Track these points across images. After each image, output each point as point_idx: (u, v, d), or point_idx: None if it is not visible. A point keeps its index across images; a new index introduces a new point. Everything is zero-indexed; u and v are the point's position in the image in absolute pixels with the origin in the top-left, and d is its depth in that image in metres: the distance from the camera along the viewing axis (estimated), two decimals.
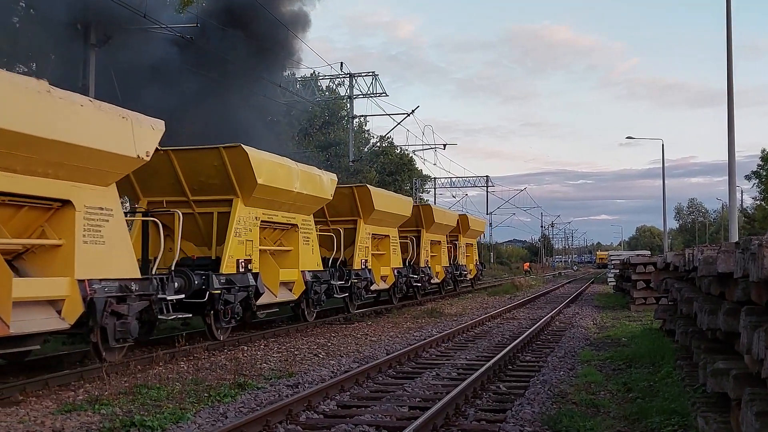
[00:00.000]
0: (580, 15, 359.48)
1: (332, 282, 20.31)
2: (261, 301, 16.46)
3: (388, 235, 26.16)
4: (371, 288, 23.99)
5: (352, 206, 23.04)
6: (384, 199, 24.84)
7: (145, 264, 13.43)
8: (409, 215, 27.96)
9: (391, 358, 13.01)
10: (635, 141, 51.21)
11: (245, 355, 14.13)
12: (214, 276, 14.66)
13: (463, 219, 37.34)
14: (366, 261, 23.37)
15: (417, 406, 9.50)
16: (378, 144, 65.16)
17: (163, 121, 12.78)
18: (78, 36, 21.79)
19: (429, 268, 30.12)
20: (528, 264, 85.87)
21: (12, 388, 10.10)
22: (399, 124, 39.97)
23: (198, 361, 13.09)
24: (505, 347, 14.46)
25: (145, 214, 14.88)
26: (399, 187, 72.57)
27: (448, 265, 34.23)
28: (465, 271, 37.79)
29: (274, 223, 17.57)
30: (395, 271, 26.38)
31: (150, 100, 22.14)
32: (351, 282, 21.86)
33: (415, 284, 28.74)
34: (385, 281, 25.77)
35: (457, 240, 36.80)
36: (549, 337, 17.83)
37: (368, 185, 23.80)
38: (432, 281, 31.21)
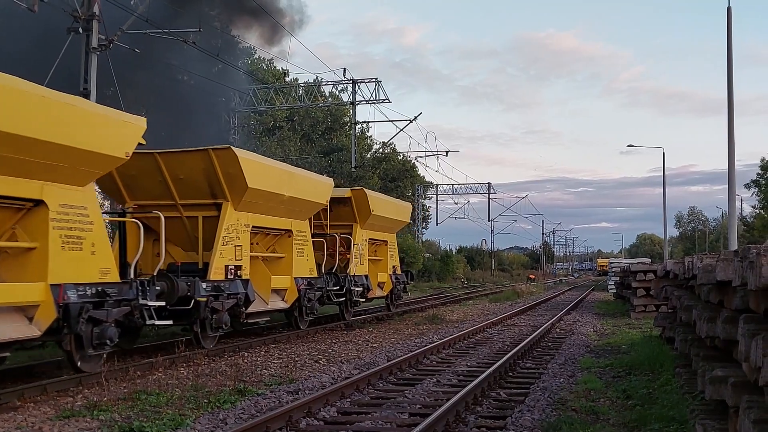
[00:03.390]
0: (585, 23, 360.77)
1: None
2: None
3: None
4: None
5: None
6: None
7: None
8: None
9: (391, 364, 13.01)
10: (636, 149, 51.66)
11: (245, 361, 14.12)
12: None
13: (359, 197, 22.40)
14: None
15: (417, 412, 9.49)
16: (380, 150, 65.25)
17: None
18: (79, 40, 21.82)
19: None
20: (533, 275, 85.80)
21: (10, 393, 10.06)
22: (402, 130, 40.17)
23: (198, 367, 13.07)
24: (506, 354, 14.45)
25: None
26: (401, 193, 72.59)
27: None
28: (361, 284, 22.37)
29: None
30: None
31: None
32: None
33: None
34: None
35: (351, 233, 22.28)
36: (549, 344, 17.82)
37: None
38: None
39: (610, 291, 44.33)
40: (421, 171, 76.03)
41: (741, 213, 77.71)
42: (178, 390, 10.76)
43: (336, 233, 21.18)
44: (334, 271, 20.71)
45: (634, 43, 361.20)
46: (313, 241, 19.34)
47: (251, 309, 16.11)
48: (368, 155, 64.20)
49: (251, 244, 16.57)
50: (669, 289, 13.76)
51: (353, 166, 41.23)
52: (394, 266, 25.98)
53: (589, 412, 9.54)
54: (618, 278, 37.07)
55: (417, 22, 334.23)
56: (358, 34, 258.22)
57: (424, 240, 79.09)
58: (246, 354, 15.09)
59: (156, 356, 13.52)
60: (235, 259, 15.36)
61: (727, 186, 24.70)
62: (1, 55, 25.02)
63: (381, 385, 11.70)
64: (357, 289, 21.85)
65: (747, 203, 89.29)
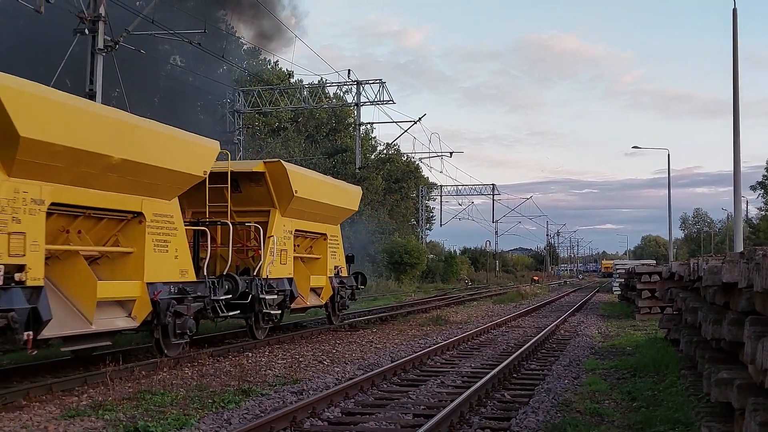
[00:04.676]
0: (589, 24, 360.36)
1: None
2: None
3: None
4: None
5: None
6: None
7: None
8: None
9: (395, 365, 13.00)
10: (640, 151, 51.25)
11: (250, 361, 14.13)
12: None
13: (276, 173, 16.85)
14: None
15: (421, 413, 9.49)
16: (384, 151, 65.28)
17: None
18: (85, 40, 21.88)
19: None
20: (537, 277, 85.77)
21: (16, 392, 10.11)
22: (406, 131, 40.23)
23: (202, 367, 13.09)
24: (510, 355, 14.44)
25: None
26: (405, 194, 72.77)
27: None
28: (280, 290, 17.12)
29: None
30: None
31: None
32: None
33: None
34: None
35: (267, 221, 17.01)
36: (554, 345, 17.80)
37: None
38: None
39: (614, 293, 44.29)
40: (425, 172, 76.25)
41: (746, 215, 77.69)
42: (182, 390, 10.78)
43: (251, 222, 16.63)
44: (239, 272, 16.48)
45: (636, 45, 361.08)
46: (194, 231, 14.85)
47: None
48: (372, 156, 64.24)
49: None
50: (674, 290, 13.74)
51: (357, 167, 41.26)
52: (337, 267, 20.85)
53: (593, 413, 9.53)
54: (623, 280, 37.00)
55: (420, 23, 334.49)
56: (362, 36, 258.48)
57: (428, 241, 79.14)
58: (250, 354, 15.10)
59: (160, 356, 13.54)
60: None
61: (732, 188, 24.69)
62: (7, 54, 25.12)
63: (385, 386, 11.70)
64: (270, 297, 16.44)
65: (752, 205, 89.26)
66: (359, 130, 41.25)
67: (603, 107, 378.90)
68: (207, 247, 14.57)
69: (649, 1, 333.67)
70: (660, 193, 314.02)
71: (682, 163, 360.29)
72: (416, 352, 15.11)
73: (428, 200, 76.80)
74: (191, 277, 13.64)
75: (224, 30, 41.77)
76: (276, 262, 16.92)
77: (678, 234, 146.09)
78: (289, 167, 17.26)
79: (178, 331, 13.17)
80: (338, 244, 21.14)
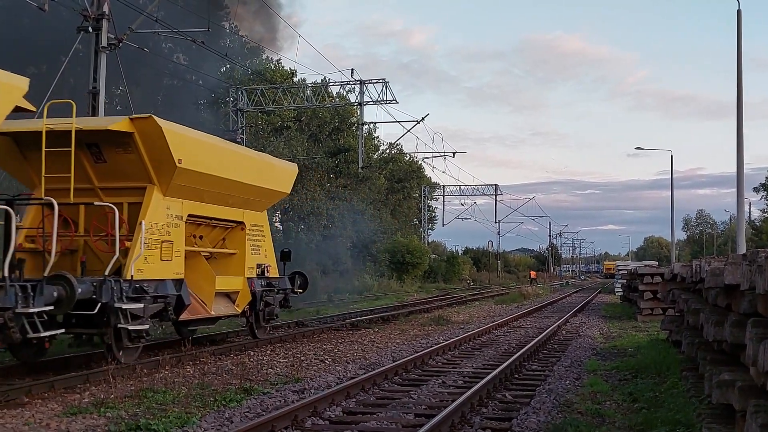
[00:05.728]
0: (593, 26, 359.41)
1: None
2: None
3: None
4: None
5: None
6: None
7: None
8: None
9: (397, 365, 13.01)
10: (643, 152, 51.22)
11: (251, 360, 14.15)
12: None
13: (148, 132, 12.64)
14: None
15: (423, 413, 9.49)
16: (387, 151, 65.25)
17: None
18: (89, 39, 21.89)
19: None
20: (535, 273, 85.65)
21: (18, 390, 10.13)
22: (409, 131, 40.38)
23: (204, 366, 13.11)
24: (512, 356, 14.44)
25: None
26: (407, 194, 72.75)
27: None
28: (160, 296, 12.90)
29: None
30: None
31: None
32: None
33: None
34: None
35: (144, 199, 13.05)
36: (555, 346, 17.80)
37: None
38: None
39: (616, 294, 44.30)
40: (428, 172, 76.19)
41: (749, 216, 77.59)
42: (184, 388, 10.80)
43: (121, 202, 12.84)
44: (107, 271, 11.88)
45: (640, 46, 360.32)
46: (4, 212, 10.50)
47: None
48: (375, 156, 64.21)
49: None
50: (676, 292, 13.75)
51: (360, 166, 41.27)
52: (263, 265, 16.50)
53: (594, 414, 9.53)
54: (625, 281, 37.01)
55: (423, 23, 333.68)
56: (365, 36, 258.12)
57: (430, 241, 79.14)
58: (252, 353, 15.11)
59: (162, 354, 13.56)
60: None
61: (735, 189, 24.66)
62: (11, 52, 25.16)
63: (386, 385, 11.71)
64: (135, 306, 12.06)
65: (755, 207, 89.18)
66: (362, 130, 41.23)
67: (606, 108, 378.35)
68: (12, 232, 10.39)
69: (653, 3, 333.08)
70: (663, 194, 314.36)
71: (685, 164, 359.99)
72: (418, 352, 15.12)
73: (431, 200, 76.73)
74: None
75: (227, 28, 41.78)
76: (153, 258, 12.64)
77: (680, 235, 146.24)
78: (168, 126, 12.79)
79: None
80: (264, 235, 16.77)
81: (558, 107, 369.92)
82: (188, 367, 12.99)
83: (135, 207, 12.79)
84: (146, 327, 12.53)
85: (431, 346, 16.25)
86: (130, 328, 11.94)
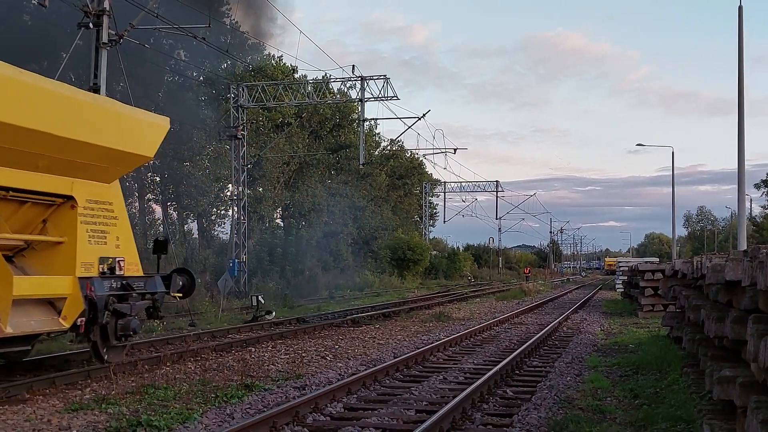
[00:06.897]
0: (594, 23, 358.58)
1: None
2: None
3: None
4: None
5: None
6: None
7: None
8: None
9: (398, 361, 13.02)
10: (644, 149, 51.55)
11: (253, 356, 14.16)
12: None
13: None
14: None
15: (424, 409, 9.50)
16: (388, 147, 65.21)
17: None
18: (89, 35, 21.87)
19: None
20: (528, 269, 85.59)
21: (19, 386, 10.15)
22: (410, 127, 40.07)
23: (205, 362, 13.12)
24: (513, 352, 14.45)
25: None
26: (408, 190, 72.74)
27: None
28: None
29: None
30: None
31: None
32: None
33: None
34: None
35: None
36: (556, 342, 17.80)
37: None
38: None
39: (617, 290, 44.27)
40: (429, 168, 76.17)
41: (750, 213, 77.51)
42: (185, 384, 10.81)
43: None
44: None
45: (642, 44, 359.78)
46: None
47: None
48: (376, 152, 64.18)
49: None
50: (677, 288, 13.74)
51: (361, 163, 41.11)
52: (114, 260, 11.92)
53: (595, 410, 9.54)
54: (626, 277, 36.99)
55: (425, 20, 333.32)
56: (367, 33, 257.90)
57: (431, 238, 79.10)
58: (253, 349, 15.12)
59: (164, 350, 13.57)
60: None
61: (736, 186, 24.63)
62: (12, 48, 25.12)
63: (387, 381, 11.71)
64: None
65: (756, 203, 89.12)
66: (363, 126, 41.16)
67: (608, 105, 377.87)
68: None
69: (654, 1, 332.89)
70: (663, 190, 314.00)
71: (686, 161, 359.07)
72: (419, 348, 15.12)
73: (432, 197, 76.67)
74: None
75: (228, 24, 41.73)
76: None
77: (681, 232, 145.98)
78: None
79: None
80: (115, 217, 12.21)
81: (560, 104, 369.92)
82: (189, 363, 13.00)
83: None
84: None
85: (432, 343, 16.25)
86: None
